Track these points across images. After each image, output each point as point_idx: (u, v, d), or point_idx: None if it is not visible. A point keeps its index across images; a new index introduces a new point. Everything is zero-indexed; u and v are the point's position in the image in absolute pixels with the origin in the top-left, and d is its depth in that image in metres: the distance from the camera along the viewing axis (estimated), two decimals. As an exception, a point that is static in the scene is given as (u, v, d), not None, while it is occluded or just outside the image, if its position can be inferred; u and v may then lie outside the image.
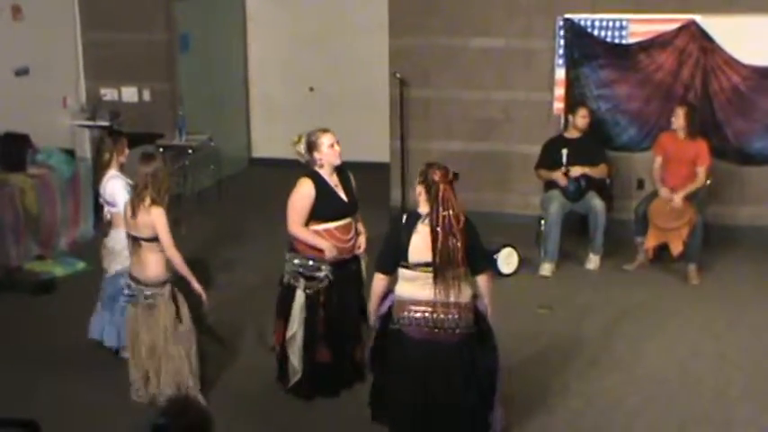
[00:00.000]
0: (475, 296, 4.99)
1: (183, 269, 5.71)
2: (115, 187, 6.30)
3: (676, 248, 7.90)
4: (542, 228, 8.33)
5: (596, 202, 8.17)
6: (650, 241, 8.05)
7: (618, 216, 8.78)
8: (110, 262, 6.38)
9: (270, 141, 11.88)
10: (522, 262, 8.18)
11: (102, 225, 6.70)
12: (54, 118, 9.76)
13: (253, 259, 8.39)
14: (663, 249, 8.10)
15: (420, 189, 4.87)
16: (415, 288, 4.87)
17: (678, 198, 7.89)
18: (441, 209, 4.74)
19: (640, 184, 9.14)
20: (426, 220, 4.82)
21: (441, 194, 4.75)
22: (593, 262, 8.31)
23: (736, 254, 8.63)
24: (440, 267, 4.75)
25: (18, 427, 4.36)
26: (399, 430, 5.12)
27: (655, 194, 8.14)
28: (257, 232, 9.14)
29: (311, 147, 5.67)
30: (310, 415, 5.79)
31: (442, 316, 4.83)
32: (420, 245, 4.81)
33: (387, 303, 5.02)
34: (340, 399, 5.92)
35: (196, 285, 5.76)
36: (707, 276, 8.02)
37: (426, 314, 4.84)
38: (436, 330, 4.85)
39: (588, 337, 6.85)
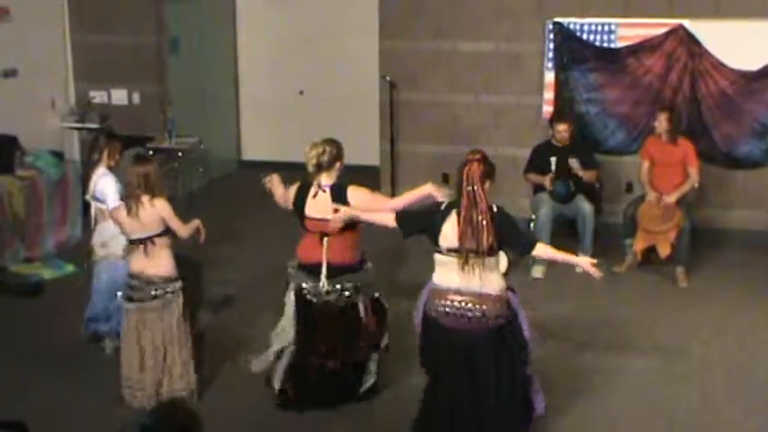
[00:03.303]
0: (509, 289, 5.09)
1: (189, 230, 5.83)
2: (106, 183, 6.35)
3: (664, 251, 7.94)
4: (532, 230, 8.33)
5: (584, 206, 8.21)
6: (639, 244, 8.08)
7: (607, 219, 8.82)
8: (99, 250, 6.45)
9: (259, 144, 11.90)
10: (511, 264, 8.19)
11: (92, 225, 6.71)
12: (43, 120, 9.74)
13: (244, 261, 8.39)
14: (651, 252, 8.14)
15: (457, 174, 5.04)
16: (445, 274, 4.98)
17: (671, 199, 7.92)
18: (465, 183, 4.87)
19: (629, 188, 9.20)
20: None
21: (467, 171, 4.88)
22: (581, 264, 8.33)
23: (723, 257, 8.67)
24: (463, 241, 4.85)
25: (5, 428, 4.34)
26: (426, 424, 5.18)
27: (643, 198, 8.18)
28: (248, 234, 9.14)
29: (339, 157, 5.66)
30: (305, 423, 5.75)
31: (470, 305, 4.92)
32: (450, 233, 4.92)
33: (425, 293, 5.12)
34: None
35: (197, 224, 5.90)
36: (695, 279, 8.05)
37: (456, 302, 4.94)
38: (466, 320, 4.94)
39: (576, 339, 6.87)
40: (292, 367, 5.77)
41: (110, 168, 6.49)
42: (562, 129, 8.35)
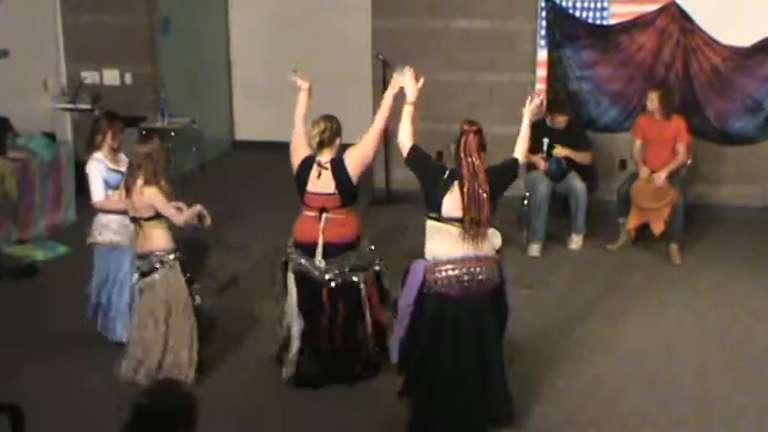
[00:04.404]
0: (497, 251, 5.21)
1: (185, 216, 5.81)
2: (90, 169, 6.34)
3: (658, 228, 7.97)
4: (525, 208, 8.38)
5: (577, 184, 8.23)
6: (632, 221, 8.12)
7: (601, 196, 8.90)
8: (98, 234, 6.43)
9: (253, 123, 11.90)
10: (505, 242, 8.20)
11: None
12: (34, 101, 9.69)
13: (240, 242, 8.41)
14: (645, 229, 8.18)
15: (452, 145, 5.11)
16: (445, 244, 5.03)
17: (662, 176, 7.95)
18: (462, 155, 4.97)
19: (623, 165, 9.25)
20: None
21: (464, 142, 4.98)
22: (575, 242, 8.37)
23: (716, 233, 8.72)
24: (467, 212, 4.91)
25: (-1, 412, 4.34)
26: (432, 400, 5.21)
27: (636, 175, 8.21)
28: (243, 215, 9.15)
29: (339, 132, 5.80)
30: (305, 407, 5.75)
31: (474, 269, 5.01)
32: (451, 204, 4.99)
33: (418, 275, 5.12)
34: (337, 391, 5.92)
35: (198, 210, 5.84)
36: (688, 255, 8.09)
37: (461, 271, 5.00)
38: (468, 284, 5.01)
39: (571, 317, 6.92)
40: (302, 350, 5.82)
41: (113, 149, 6.44)
42: (561, 120, 8.36)
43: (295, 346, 5.80)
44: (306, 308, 5.78)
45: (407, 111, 5.40)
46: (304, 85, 6.10)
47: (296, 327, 5.79)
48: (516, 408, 5.41)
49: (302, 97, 6.07)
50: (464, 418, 5.17)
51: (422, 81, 5.50)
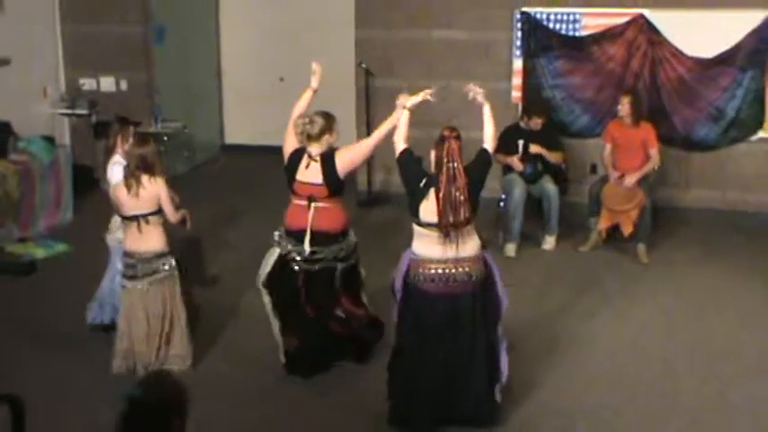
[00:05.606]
0: (483, 247, 5.33)
1: (179, 215, 6.02)
2: (117, 172, 6.33)
3: (627, 229, 8.21)
4: (501, 209, 8.57)
5: (549, 187, 8.44)
6: (603, 223, 8.35)
7: (572, 199, 9.07)
8: (111, 239, 6.55)
9: (241, 129, 12.08)
10: (484, 243, 8.43)
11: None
12: (35, 106, 9.88)
13: (229, 240, 8.57)
14: (615, 230, 8.38)
15: (432, 152, 5.24)
16: (426, 246, 5.19)
17: (632, 179, 8.17)
18: (445, 160, 5.10)
19: (593, 169, 9.47)
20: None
21: (447, 148, 5.12)
22: (548, 243, 8.58)
23: (682, 234, 8.93)
24: (443, 217, 5.07)
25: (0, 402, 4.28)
26: (413, 394, 5.34)
27: (607, 178, 8.43)
28: (232, 215, 9.29)
29: (328, 129, 5.88)
30: (290, 400, 5.85)
31: (454, 271, 5.15)
32: (428, 210, 5.15)
33: (404, 263, 5.31)
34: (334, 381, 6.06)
35: (184, 213, 6.09)
36: (655, 255, 8.29)
37: (440, 270, 5.15)
38: (452, 282, 5.16)
39: (545, 314, 7.06)
40: (285, 328, 6.02)
41: (125, 152, 6.45)
42: (538, 122, 8.54)
43: (274, 323, 6.01)
44: (278, 287, 5.91)
45: (405, 115, 5.59)
46: (314, 82, 6.22)
47: (266, 301, 5.98)
48: (499, 412, 5.49)
49: (306, 95, 6.17)
50: (437, 411, 5.32)
51: (426, 92, 5.77)
